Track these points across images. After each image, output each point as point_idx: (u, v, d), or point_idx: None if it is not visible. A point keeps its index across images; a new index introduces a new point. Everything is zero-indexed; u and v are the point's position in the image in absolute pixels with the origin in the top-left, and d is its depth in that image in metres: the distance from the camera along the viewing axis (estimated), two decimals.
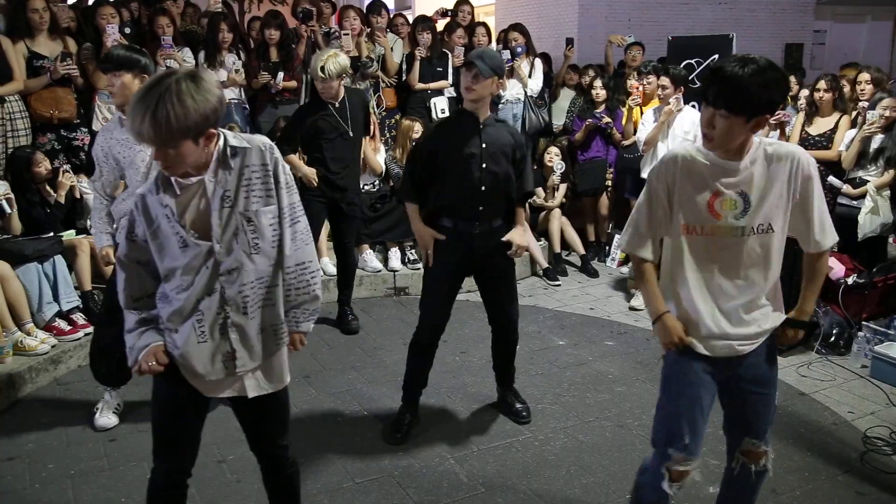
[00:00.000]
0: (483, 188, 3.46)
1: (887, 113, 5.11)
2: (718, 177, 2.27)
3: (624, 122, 6.35)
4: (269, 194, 2.19)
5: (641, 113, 5.84)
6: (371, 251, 5.91)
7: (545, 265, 6.26)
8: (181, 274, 2.16)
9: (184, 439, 2.36)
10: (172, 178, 2.10)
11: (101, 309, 3.97)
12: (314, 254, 2.35)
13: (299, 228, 2.28)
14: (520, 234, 3.60)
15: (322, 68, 4.49)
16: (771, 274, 2.36)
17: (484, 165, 3.44)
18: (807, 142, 5.59)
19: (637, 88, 6.04)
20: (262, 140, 2.22)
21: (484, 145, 3.44)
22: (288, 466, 2.54)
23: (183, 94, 1.93)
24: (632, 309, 5.54)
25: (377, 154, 6.05)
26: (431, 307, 3.64)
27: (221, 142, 2.13)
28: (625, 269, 6.33)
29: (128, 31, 5.59)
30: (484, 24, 7.02)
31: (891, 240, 5.64)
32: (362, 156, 5.32)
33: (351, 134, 4.74)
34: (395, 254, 5.92)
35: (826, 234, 2.37)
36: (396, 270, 5.85)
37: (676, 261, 2.37)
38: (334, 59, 4.52)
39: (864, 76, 5.69)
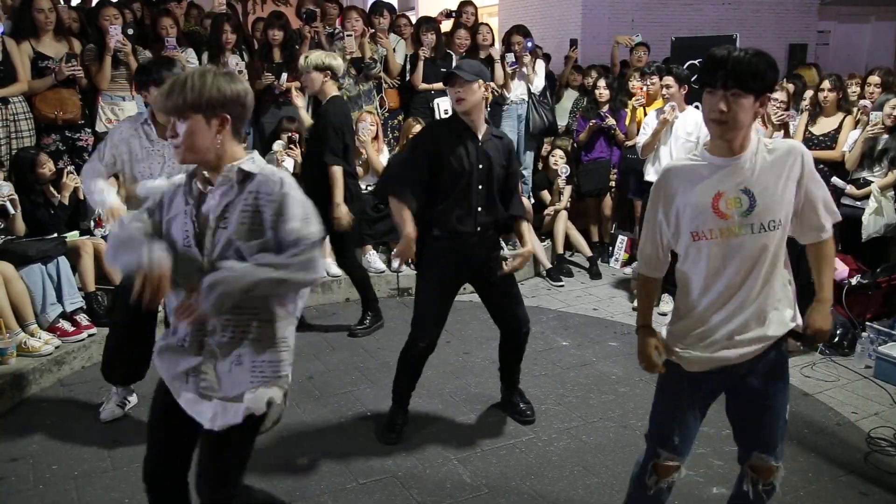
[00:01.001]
0: (480, 209, 3.46)
1: (895, 113, 5.09)
2: (719, 176, 2.24)
3: (627, 122, 6.34)
4: (261, 227, 2.08)
5: (645, 113, 5.84)
6: (374, 252, 5.91)
7: (548, 265, 6.25)
8: (178, 273, 2.10)
9: (163, 457, 2.26)
10: (196, 182, 2.15)
11: (115, 314, 3.89)
12: None
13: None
14: (521, 260, 3.49)
15: (304, 58, 4.58)
16: (779, 272, 2.33)
17: (480, 187, 3.44)
18: (810, 142, 5.58)
19: (640, 89, 6.04)
20: (276, 172, 2.16)
21: (481, 166, 3.42)
22: None
23: (206, 73, 2.09)
24: (635, 310, 5.51)
25: (380, 155, 6.05)
26: (423, 324, 3.52)
27: (240, 164, 2.12)
28: (628, 270, 6.32)
29: (130, 32, 5.60)
30: (488, 25, 7.01)
31: None
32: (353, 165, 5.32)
33: (307, 136, 4.67)
34: None
35: (832, 213, 2.35)
36: (400, 271, 5.85)
37: (686, 270, 2.35)
38: (317, 54, 4.60)
39: (874, 78, 5.67)
